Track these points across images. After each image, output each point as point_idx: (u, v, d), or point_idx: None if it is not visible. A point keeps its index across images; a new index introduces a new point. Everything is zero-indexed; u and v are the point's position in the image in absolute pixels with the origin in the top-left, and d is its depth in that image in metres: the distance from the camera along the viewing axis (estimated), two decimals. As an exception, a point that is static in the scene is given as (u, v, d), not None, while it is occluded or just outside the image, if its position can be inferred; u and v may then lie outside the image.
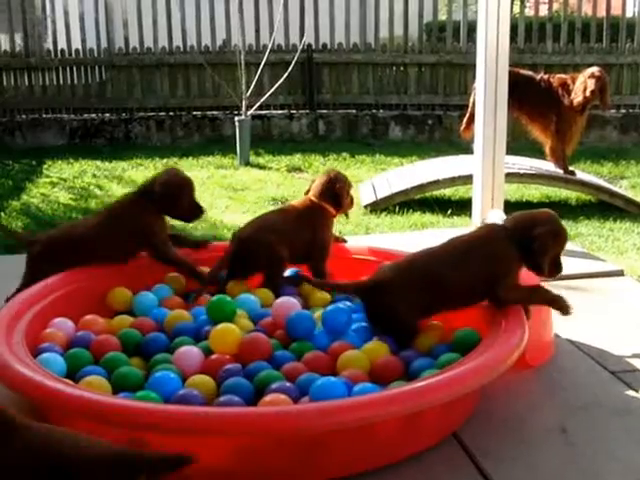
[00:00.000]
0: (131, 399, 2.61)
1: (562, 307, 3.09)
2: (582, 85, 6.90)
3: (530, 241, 3.03)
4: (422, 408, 2.55)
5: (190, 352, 2.98)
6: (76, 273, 3.58)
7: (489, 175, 4.95)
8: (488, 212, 4.75)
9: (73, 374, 2.89)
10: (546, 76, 7.35)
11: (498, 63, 4.75)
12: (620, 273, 4.66)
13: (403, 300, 3.02)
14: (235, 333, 3.05)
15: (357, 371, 2.84)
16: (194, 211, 3.90)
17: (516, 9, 12.41)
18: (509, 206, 5.17)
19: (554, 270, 3.11)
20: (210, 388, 2.75)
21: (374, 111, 11.48)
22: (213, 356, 2.97)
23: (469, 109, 7.19)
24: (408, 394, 2.55)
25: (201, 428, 2.37)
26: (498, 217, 4.33)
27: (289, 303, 3.32)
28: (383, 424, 2.52)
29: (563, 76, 7.32)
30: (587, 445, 2.73)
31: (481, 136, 4.94)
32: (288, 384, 2.70)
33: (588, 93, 6.86)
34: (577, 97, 6.93)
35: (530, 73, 7.44)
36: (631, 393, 3.11)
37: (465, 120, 7.33)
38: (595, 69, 6.98)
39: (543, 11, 11.97)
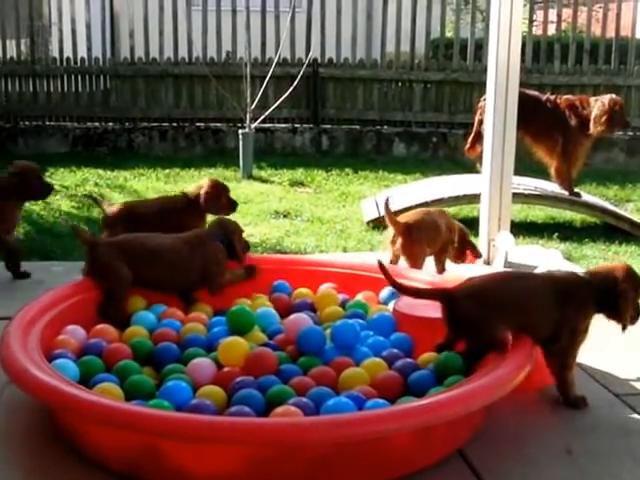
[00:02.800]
0: (146, 407, 2.66)
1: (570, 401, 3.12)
2: (604, 115, 6.81)
3: (613, 296, 3.10)
4: (435, 423, 2.57)
5: (203, 364, 3.05)
6: (87, 282, 3.63)
7: (497, 195, 4.91)
8: (497, 235, 4.68)
9: (86, 381, 2.93)
10: (552, 97, 7.30)
11: (508, 83, 4.71)
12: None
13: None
14: (243, 346, 3.12)
15: (368, 387, 2.88)
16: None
17: (524, 28, 12.37)
18: (513, 226, 5.13)
19: (635, 317, 3.18)
20: (221, 399, 2.81)
21: (378, 127, 11.45)
22: (225, 369, 3.03)
23: (474, 128, 7.14)
24: (421, 409, 2.57)
25: (216, 436, 2.41)
26: (506, 239, 4.30)
27: (301, 319, 3.38)
28: (391, 439, 2.53)
29: (571, 97, 7.27)
30: (591, 466, 2.73)
31: (489, 156, 4.89)
32: (305, 399, 2.73)
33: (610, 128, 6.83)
34: (597, 126, 6.86)
35: (536, 93, 7.39)
36: (635, 416, 3.12)
37: (470, 139, 7.28)
38: (613, 98, 6.92)
39: (551, 30, 11.95)
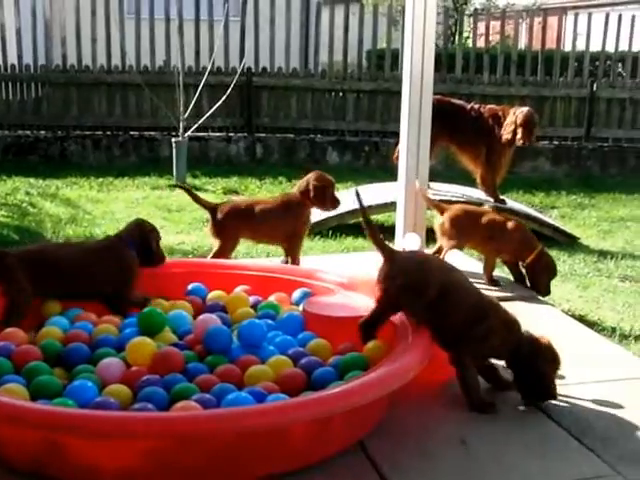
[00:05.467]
0: (47, 404, 2.68)
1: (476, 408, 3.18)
2: (512, 125, 6.90)
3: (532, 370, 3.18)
4: (328, 414, 2.64)
5: (112, 363, 3.09)
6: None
7: (411, 202, 5.03)
8: (406, 235, 4.80)
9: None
10: (477, 106, 7.40)
11: (422, 93, 4.84)
12: (532, 296, 4.77)
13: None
14: (149, 346, 3.17)
15: (270, 383, 2.96)
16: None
17: (458, 40, 12.63)
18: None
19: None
20: (126, 396, 2.85)
21: (312, 136, 11.58)
22: (133, 368, 3.08)
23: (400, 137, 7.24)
24: (314, 401, 2.65)
25: (111, 430, 2.45)
26: (414, 241, 4.41)
27: (209, 319, 3.44)
28: (289, 431, 2.61)
29: (494, 107, 7.35)
30: (487, 457, 2.83)
31: (404, 163, 5.04)
32: (208, 396, 2.79)
33: (519, 139, 6.88)
34: (505, 135, 6.96)
35: (461, 102, 7.49)
36: (531, 408, 3.22)
37: (398, 148, 7.38)
38: (526, 111, 6.96)
39: (480, 42, 12.20)
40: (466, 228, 4.81)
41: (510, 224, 4.84)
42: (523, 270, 4.87)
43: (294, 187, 4.90)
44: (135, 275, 3.83)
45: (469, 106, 7.38)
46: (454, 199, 7.27)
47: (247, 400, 2.69)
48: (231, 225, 4.66)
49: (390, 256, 3.20)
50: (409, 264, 3.19)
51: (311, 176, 4.77)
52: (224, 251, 4.65)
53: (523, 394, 3.24)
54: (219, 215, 4.67)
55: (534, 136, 6.91)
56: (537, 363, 3.16)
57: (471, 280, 3.31)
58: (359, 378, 2.76)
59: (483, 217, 4.88)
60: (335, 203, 4.75)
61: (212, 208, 4.72)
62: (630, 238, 7.54)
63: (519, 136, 6.73)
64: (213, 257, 4.61)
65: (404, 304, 3.14)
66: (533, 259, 4.73)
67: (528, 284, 4.83)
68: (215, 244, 4.68)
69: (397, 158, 7.36)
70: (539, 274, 4.76)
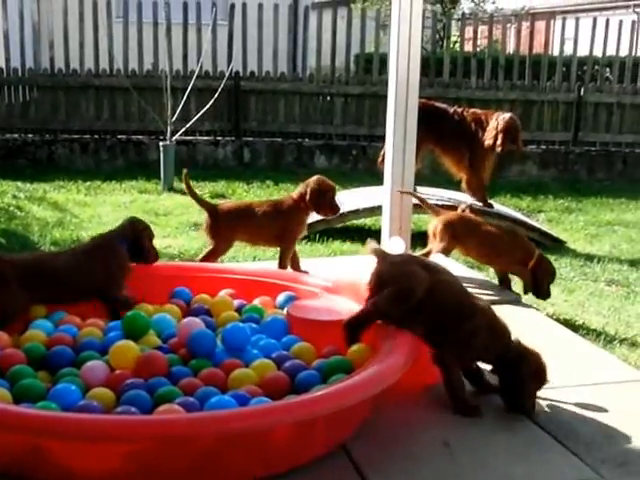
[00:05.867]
0: (31, 408, 2.67)
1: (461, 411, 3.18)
2: (494, 130, 6.90)
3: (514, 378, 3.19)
4: (311, 418, 2.65)
5: (95, 366, 3.08)
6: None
7: (397, 206, 5.03)
8: (390, 239, 4.82)
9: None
10: (460, 109, 7.41)
11: (408, 96, 4.84)
12: (517, 300, 4.79)
13: None
14: (133, 350, 3.17)
15: (253, 386, 2.96)
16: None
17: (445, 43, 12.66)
18: (426, 236, 5.22)
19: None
20: (109, 399, 2.85)
21: (299, 140, 11.59)
22: (116, 371, 3.07)
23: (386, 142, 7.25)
24: (297, 404, 2.65)
25: (94, 434, 2.45)
26: (399, 244, 4.42)
27: (193, 322, 3.44)
28: (272, 434, 2.61)
29: (478, 111, 7.36)
30: (470, 460, 2.84)
31: (390, 168, 5.04)
32: (191, 399, 2.79)
33: (498, 146, 6.87)
34: (487, 140, 6.97)
35: (444, 106, 7.49)
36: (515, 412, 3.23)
37: (382, 152, 7.39)
38: (507, 117, 6.96)
39: (468, 47, 12.24)
40: (460, 233, 4.81)
41: (509, 233, 4.86)
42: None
43: (293, 191, 4.90)
44: (126, 272, 3.85)
45: (452, 110, 7.40)
46: (440, 203, 7.30)
47: (230, 403, 2.69)
48: (228, 226, 4.67)
49: (382, 258, 3.21)
50: (398, 266, 3.19)
51: (311, 180, 4.76)
52: (217, 252, 4.67)
53: (504, 401, 3.25)
54: (217, 216, 4.68)
55: (520, 141, 6.94)
56: (520, 372, 3.16)
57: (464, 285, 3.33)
58: (343, 381, 2.77)
59: (481, 227, 4.87)
60: (335, 209, 4.73)
61: (210, 208, 4.72)
62: (617, 242, 7.57)
63: (498, 142, 6.76)
64: (206, 257, 4.63)
65: (393, 306, 3.14)
66: (534, 264, 4.72)
67: (530, 289, 4.83)
68: (210, 244, 4.69)
69: (382, 162, 7.41)
70: (541, 279, 4.75)
